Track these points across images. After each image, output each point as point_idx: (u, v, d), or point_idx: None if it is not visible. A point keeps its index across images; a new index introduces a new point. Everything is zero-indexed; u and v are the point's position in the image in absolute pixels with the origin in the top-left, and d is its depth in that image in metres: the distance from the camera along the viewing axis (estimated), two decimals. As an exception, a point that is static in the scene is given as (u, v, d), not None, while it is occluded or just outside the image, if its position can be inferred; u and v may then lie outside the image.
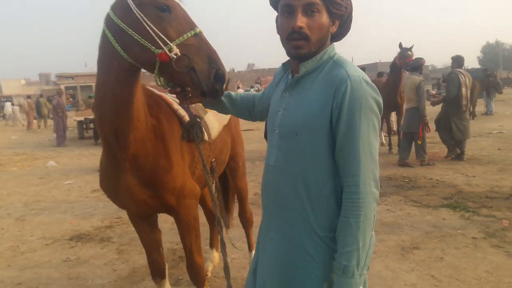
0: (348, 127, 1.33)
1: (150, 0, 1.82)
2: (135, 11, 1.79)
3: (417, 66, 8.01)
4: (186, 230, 2.46)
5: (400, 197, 5.92)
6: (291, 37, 1.39)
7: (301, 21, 1.36)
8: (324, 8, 1.39)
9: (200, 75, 1.73)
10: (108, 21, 1.90)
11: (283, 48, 1.48)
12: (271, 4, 1.54)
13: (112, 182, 2.33)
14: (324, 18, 1.40)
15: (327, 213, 1.42)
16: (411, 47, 8.69)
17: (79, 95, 45.82)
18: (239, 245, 4.40)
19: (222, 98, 1.91)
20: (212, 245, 3.91)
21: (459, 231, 4.60)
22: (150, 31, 1.77)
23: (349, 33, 1.57)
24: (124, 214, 5.74)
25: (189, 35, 1.78)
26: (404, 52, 8.55)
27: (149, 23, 1.77)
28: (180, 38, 1.76)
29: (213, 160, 2.84)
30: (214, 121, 2.94)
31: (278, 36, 1.50)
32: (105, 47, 1.93)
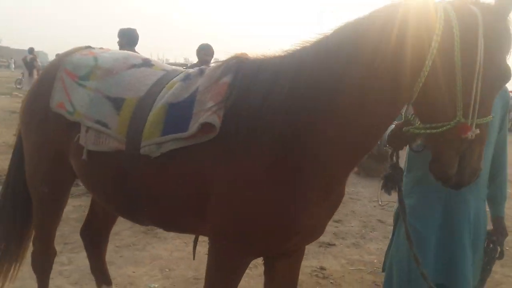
0: None
1: None
2: (479, 40, 1.34)
3: None
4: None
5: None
6: None
7: None
8: None
9: (468, 166, 1.44)
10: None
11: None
12: None
13: (317, 220, 1.84)
14: None
15: None
16: None
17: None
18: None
19: None
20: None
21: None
22: (474, 87, 1.35)
23: None
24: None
25: (489, 119, 1.44)
26: None
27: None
28: (484, 118, 1.41)
29: None
30: None
31: None
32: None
